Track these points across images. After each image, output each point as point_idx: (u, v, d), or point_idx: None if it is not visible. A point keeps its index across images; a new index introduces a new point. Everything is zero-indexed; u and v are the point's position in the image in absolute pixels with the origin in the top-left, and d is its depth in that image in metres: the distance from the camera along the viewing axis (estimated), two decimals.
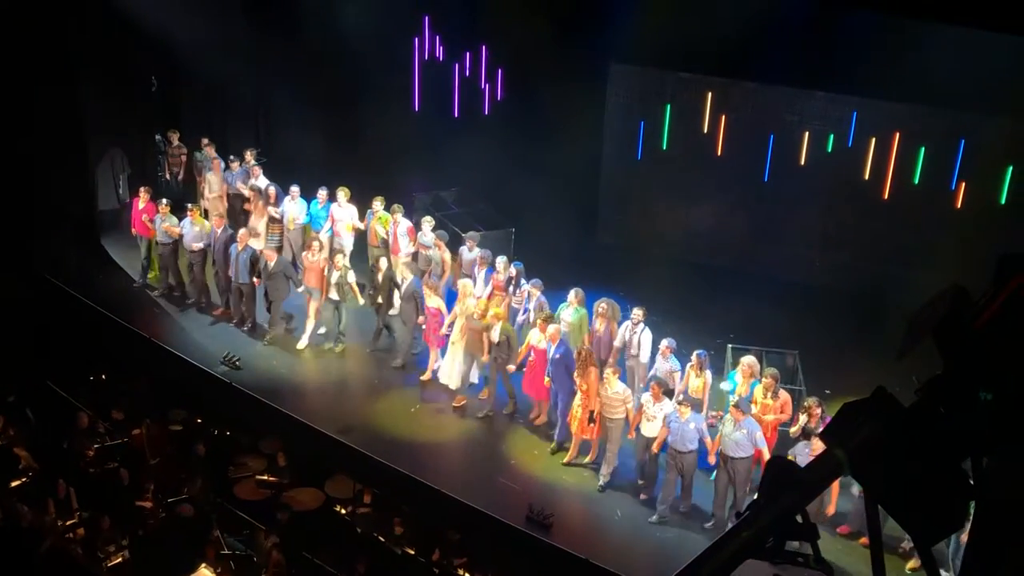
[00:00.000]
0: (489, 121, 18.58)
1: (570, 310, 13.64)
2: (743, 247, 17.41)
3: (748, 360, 12.35)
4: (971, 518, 3.54)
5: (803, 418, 11.49)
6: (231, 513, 12.05)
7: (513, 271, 14.44)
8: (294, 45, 18.53)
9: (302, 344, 15.05)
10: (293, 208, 16.33)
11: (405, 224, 15.64)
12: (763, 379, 12.02)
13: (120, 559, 11.37)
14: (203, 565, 11.10)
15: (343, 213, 16.09)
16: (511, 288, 14.42)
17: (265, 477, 12.30)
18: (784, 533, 3.43)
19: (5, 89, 15.68)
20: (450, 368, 13.88)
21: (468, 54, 18.78)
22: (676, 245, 17.26)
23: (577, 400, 12.48)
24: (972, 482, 3.37)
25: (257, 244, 15.67)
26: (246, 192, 16.99)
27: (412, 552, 11.51)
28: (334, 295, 14.73)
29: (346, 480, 12.27)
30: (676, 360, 12.75)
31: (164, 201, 16.06)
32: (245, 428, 13.44)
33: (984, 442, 3.36)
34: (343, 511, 12.12)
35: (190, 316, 15.87)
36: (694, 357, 12.55)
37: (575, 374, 12.48)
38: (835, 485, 9.85)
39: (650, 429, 12.04)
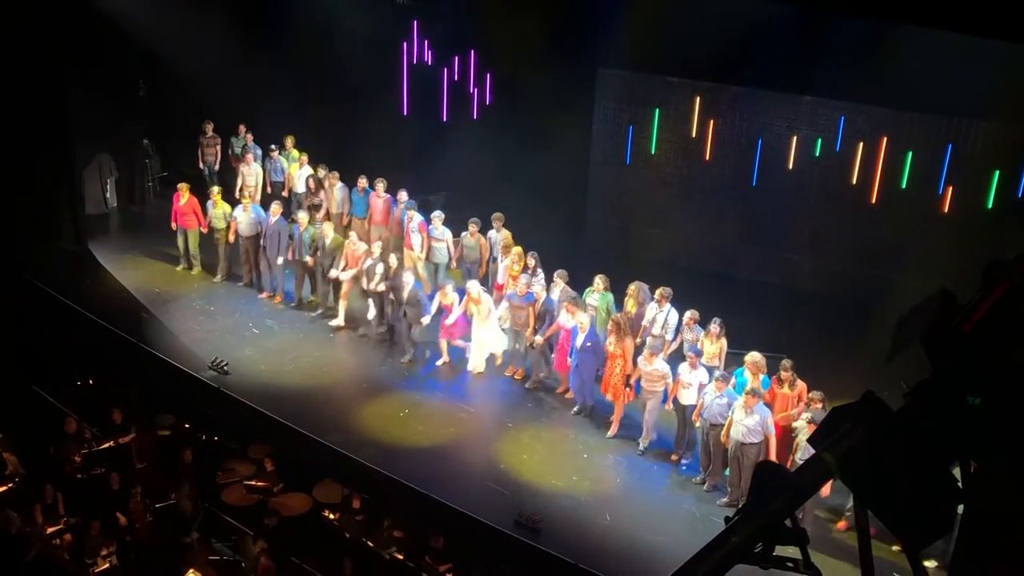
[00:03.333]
0: (478, 125, 18.60)
1: (596, 295, 14.15)
2: (731, 251, 17.45)
3: (753, 357, 12.49)
4: (959, 522, 3.55)
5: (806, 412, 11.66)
6: (219, 518, 12.01)
7: (531, 261, 14.79)
8: (282, 49, 18.53)
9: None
10: (338, 195, 17.07)
11: (417, 219, 15.99)
12: (780, 372, 12.29)
13: (107, 565, 11.33)
14: (191, 571, 11.07)
15: (380, 202, 16.70)
16: (528, 276, 14.64)
17: (253, 482, 12.27)
18: (773, 538, 3.43)
19: None
20: (489, 348, 14.52)
21: (457, 58, 18.80)
22: (664, 249, 17.28)
23: (616, 369, 13.09)
24: (960, 486, 3.38)
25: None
26: (295, 184, 17.76)
27: (400, 557, 11.49)
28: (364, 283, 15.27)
29: (334, 485, 12.24)
30: (700, 329, 13.43)
31: (215, 189, 16.80)
32: (233, 433, 13.39)
33: (972, 446, 3.37)
34: (331, 516, 12.10)
35: (178, 320, 15.82)
36: (712, 325, 13.16)
37: (608, 342, 13.11)
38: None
39: (687, 397, 12.65)
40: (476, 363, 14.60)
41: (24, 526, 11.27)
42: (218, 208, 16.55)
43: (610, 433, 13.41)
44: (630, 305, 14.08)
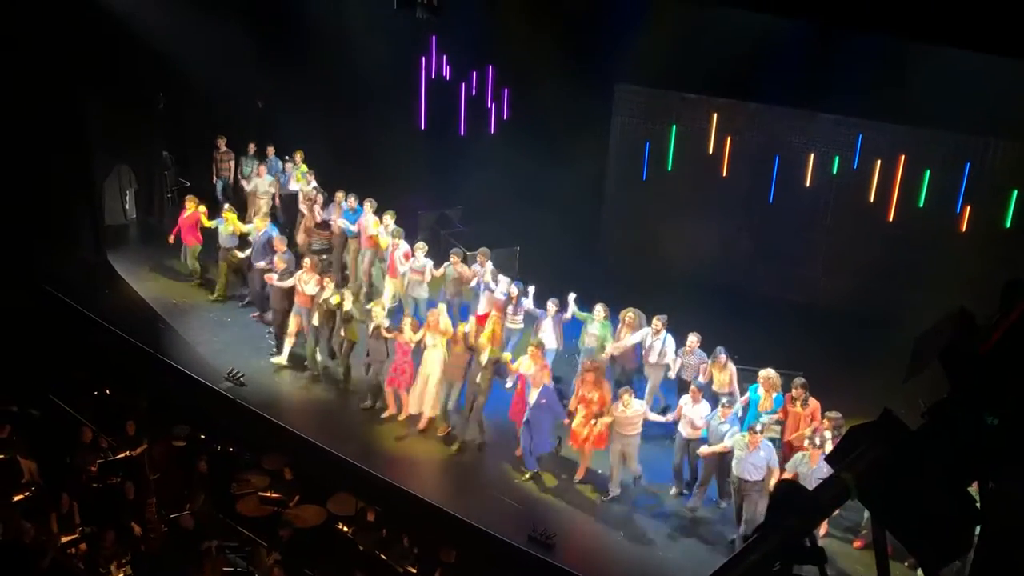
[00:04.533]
0: (495, 140, 18.66)
1: (596, 324, 13.86)
2: (748, 268, 17.42)
3: (767, 373, 12.39)
4: (977, 542, 3.53)
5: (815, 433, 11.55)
6: (233, 529, 12.02)
7: (514, 291, 14.36)
8: (301, 63, 18.63)
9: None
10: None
11: (403, 248, 15.60)
12: (793, 389, 12.14)
13: (121, 574, 11.34)
14: None
15: (369, 220, 16.30)
16: (510, 308, 14.40)
17: (268, 494, 12.28)
18: (791, 557, 3.42)
19: (11, 104, 15.75)
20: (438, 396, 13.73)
21: (475, 73, 18.89)
22: (680, 266, 17.23)
23: (581, 415, 12.46)
24: (978, 506, 3.37)
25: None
26: (300, 196, 17.57)
27: (414, 571, 11.47)
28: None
29: (349, 498, 12.24)
30: (702, 353, 13.13)
31: (227, 206, 16.72)
32: (248, 445, 13.42)
33: (990, 466, 3.36)
34: (345, 529, 12.09)
35: (195, 332, 15.88)
36: (718, 355, 12.83)
37: (584, 390, 12.48)
38: None
39: (689, 431, 12.25)
40: (416, 404, 13.58)
41: (38, 535, 11.30)
42: (228, 225, 16.30)
43: (577, 477, 12.82)
44: (624, 334, 13.70)
